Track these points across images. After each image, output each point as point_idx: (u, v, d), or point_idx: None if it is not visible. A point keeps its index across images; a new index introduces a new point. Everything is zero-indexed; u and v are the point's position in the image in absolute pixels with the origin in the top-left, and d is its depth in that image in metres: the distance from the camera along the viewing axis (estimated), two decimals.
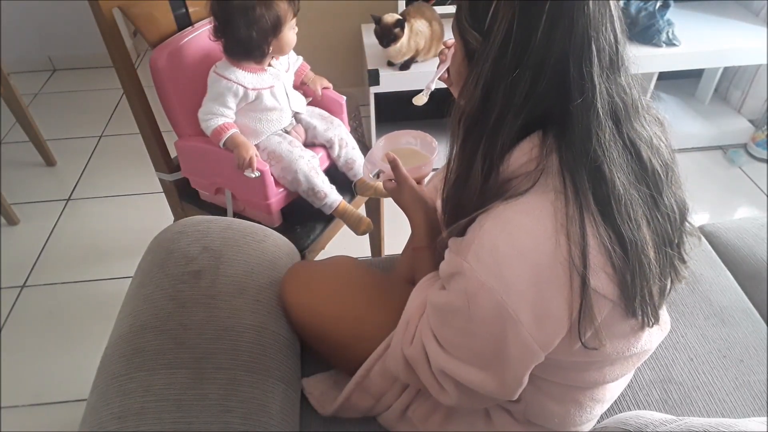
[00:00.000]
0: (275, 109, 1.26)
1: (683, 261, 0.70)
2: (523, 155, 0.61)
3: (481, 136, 0.62)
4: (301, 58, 1.37)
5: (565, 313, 0.59)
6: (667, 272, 0.66)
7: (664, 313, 0.75)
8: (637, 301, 0.61)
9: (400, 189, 0.89)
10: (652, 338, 0.71)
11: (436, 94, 1.00)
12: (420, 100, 0.99)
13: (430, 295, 0.72)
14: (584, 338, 0.60)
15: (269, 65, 1.24)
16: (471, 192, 0.65)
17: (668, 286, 0.68)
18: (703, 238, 1.26)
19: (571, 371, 0.70)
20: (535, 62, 0.56)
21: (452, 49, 0.82)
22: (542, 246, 0.58)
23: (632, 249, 0.59)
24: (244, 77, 1.20)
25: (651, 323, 0.66)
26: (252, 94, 1.21)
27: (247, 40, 1.15)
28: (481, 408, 0.81)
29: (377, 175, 0.94)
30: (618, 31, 0.58)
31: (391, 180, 0.90)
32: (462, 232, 0.66)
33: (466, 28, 0.62)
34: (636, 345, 0.69)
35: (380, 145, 0.99)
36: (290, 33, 1.20)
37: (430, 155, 0.97)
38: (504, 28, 0.56)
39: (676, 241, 0.67)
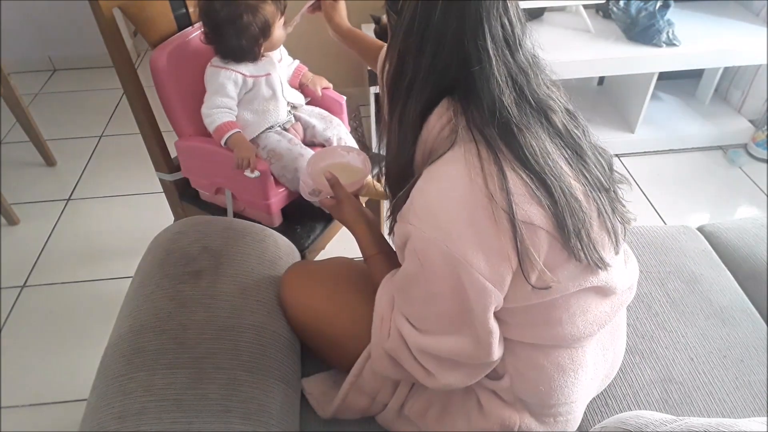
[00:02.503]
0: (271, 99, 1.27)
1: (622, 204, 0.75)
2: (437, 120, 0.68)
3: (398, 104, 0.71)
4: (297, 61, 1.38)
5: (504, 247, 0.63)
6: (607, 214, 0.70)
7: (630, 255, 0.82)
8: (574, 241, 0.65)
9: (341, 206, 0.93)
10: (613, 275, 0.74)
11: None
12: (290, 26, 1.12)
13: (393, 282, 0.76)
14: (530, 279, 0.65)
15: (262, 55, 1.25)
16: (401, 159, 0.73)
17: (619, 228, 0.73)
18: (701, 234, 1.26)
19: (541, 325, 0.72)
20: (436, 36, 0.65)
21: None
22: (462, 187, 0.64)
23: (557, 191, 0.64)
24: (241, 65, 1.21)
25: (598, 266, 0.69)
26: (250, 82, 1.22)
27: (237, 48, 1.17)
28: (469, 383, 0.80)
29: (317, 194, 0.97)
30: (512, 16, 0.66)
31: (329, 197, 0.94)
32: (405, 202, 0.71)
33: (388, 9, 0.73)
34: (594, 278, 0.71)
35: (313, 162, 1.01)
36: (279, 31, 1.21)
37: (362, 166, 1.00)
38: (411, 7, 0.65)
39: (611, 188, 0.72)
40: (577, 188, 0.67)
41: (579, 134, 0.71)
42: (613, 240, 0.72)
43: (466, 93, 0.67)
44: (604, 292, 0.75)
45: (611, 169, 0.74)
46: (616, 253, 0.74)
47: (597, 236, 0.69)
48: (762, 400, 0.94)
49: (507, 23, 0.65)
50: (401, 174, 0.74)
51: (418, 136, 0.71)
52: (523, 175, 0.64)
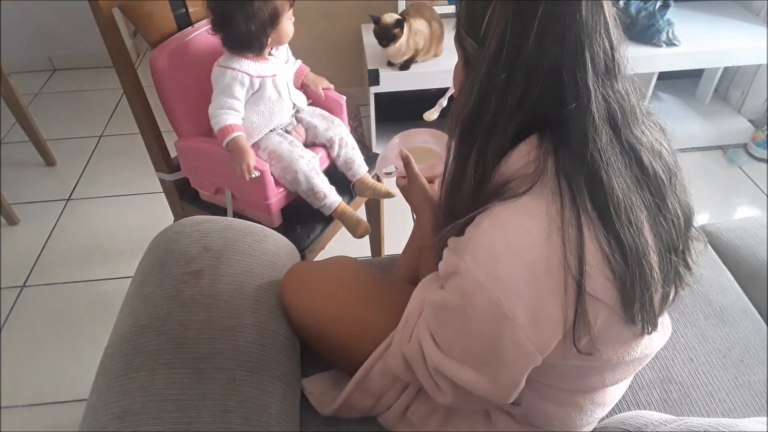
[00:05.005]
0: (277, 100, 1.27)
1: (688, 268, 0.69)
2: (521, 157, 0.62)
3: (475, 139, 0.63)
4: (299, 61, 1.38)
5: (560, 316, 0.58)
6: (670, 279, 0.65)
7: (665, 318, 0.75)
8: (636, 307, 0.60)
9: (411, 187, 0.88)
10: (653, 343, 0.71)
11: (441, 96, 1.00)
12: (431, 116, 0.98)
13: (428, 294, 0.72)
14: (579, 344, 0.60)
15: (270, 54, 1.25)
16: (465, 193, 0.66)
17: (671, 294, 0.67)
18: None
19: (570, 376, 0.70)
20: (528, 68, 0.57)
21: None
22: (538, 246, 0.58)
23: (632, 255, 0.58)
24: (248, 66, 1.20)
25: (650, 330, 0.65)
26: (257, 82, 1.22)
27: (245, 34, 1.16)
28: (478, 409, 0.81)
29: (391, 171, 0.94)
30: (613, 36, 0.58)
31: (403, 177, 0.90)
32: (461, 232, 0.66)
33: (463, 36, 0.63)
34: (636, 350, 0.68)
35: (396, 141, 0.98)
36: (288, 23, 1.21)
37: (440, 153, 0.96)
38: (498, 35, 0.57)
39: (681, 247, 0.66)
40: (652, 249, 0.61)
41: (665, 179, 0.63)
42: (664, 304, 0.67)
43: (556, 132, 0.59)
44: (638, 359, 0.71)
45: (689, 224, 0.67)
46: (660, 316, 0.68)
47: (656, 299, 0.64)
48: (762, 400, 0.94)
49: (608, 46, 0.58)
50: (459, 206, 0.67)
51: (494, 172, 0.63)
52: (602, 238, 0.57)
